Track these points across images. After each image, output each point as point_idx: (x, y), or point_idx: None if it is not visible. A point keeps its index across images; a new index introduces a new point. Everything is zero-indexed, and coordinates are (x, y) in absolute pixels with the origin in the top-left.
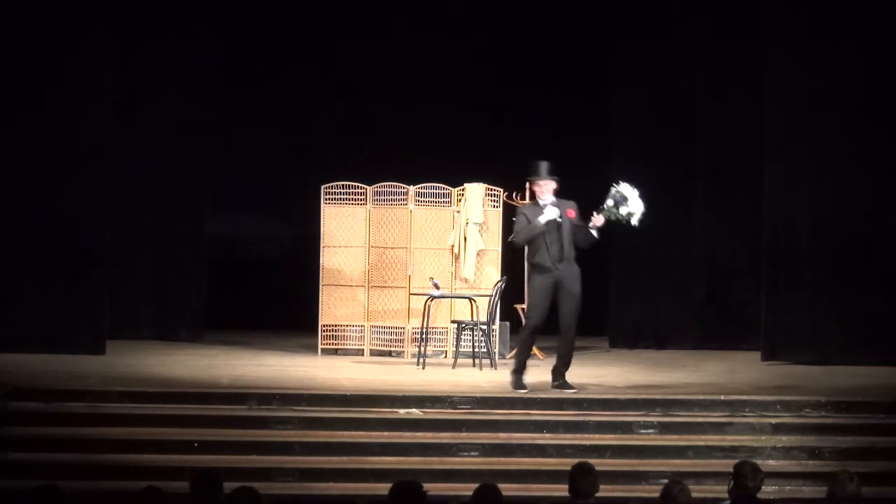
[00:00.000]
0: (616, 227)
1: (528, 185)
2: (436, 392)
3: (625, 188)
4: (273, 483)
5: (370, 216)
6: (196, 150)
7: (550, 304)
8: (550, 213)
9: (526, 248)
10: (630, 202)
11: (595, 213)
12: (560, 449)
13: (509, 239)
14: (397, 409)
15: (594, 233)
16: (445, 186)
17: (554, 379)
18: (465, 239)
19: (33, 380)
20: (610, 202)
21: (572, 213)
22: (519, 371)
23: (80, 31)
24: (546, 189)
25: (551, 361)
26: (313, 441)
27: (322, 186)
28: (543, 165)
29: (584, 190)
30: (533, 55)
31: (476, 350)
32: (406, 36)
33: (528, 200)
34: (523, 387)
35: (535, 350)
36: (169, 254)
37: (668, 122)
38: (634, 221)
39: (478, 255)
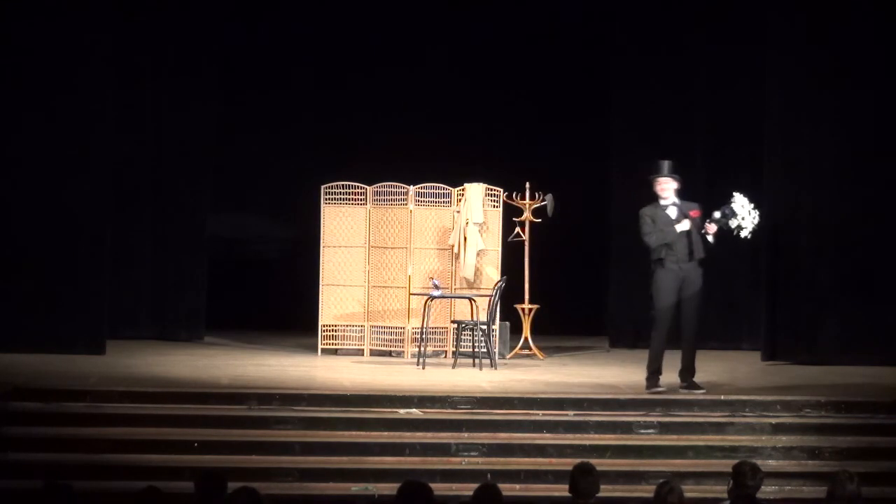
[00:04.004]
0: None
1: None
2: (436, 392)
3: (737, 202)
4: (273, 483)
5: (370, 216)
6: (196, 150)
7: (676, 303)
8: (684, 225)
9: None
10: (739, 216)
11: (708, 221)
12: (560, 449)
13: (646, 241)
14: (397, 409)
15: (710, 238)
16: (445, 186)
17: (682, 380)
18: (465, 239)
19: (33, 380)
20: (717, 214)
21: (696, 213)
22: (656, 372)
23: (81, 34)
24: (667, 188)
25: (552, 362)
26: (313, 441)
27: (322, 186)
28: (665, 164)
29: (584, 186)
30: (533, 54)
31: (476, 350)
32: (407, 37)
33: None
34: (657, 386)
35: (535, 350)
36: (169, 254)
37: (667, 122)
38: (744, 234)
39: (478, 255)
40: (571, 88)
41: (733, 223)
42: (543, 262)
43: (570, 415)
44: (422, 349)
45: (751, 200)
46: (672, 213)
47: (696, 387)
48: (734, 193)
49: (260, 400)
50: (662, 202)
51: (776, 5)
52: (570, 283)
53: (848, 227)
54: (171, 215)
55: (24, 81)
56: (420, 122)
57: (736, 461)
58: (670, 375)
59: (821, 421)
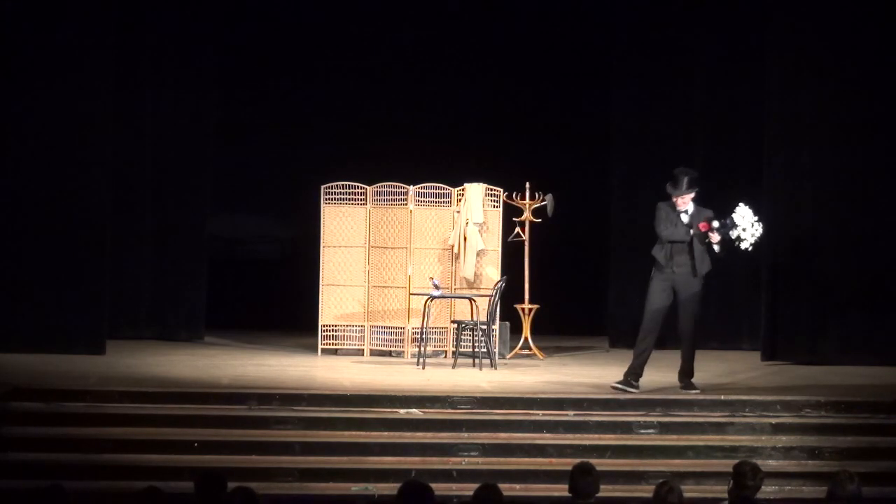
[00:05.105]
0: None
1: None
2: (436, 392)
3: (739, 213)
4: (273, 483)
5: (370, 216)
6: (196, 149)
7: (668, 307)
8: (691, 232)
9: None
10: (740, 227)
11: (710, 230)
12: (560, 449)
13: (657, 230)
14: (397, 409)
15: (715, 248)
16: (445, 186)
17: (679, 381)
18: (465, 239)
19: (33, 380)
20: (716, 223)
21: (705, 226)
22: (629, 373)
23: (80, 32)
24: (685, 202)
25: (552, 362)
26: (313, 441)
27: (322, 186)
28: (683, 181)
29: (584, 186)
30: (533, 54)
31: (476, 350)
32: (407, 38)
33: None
34: (623, 386)
35: (535, 350)
36: (169, 254)
37: (667, 122)
38: (744, 246)
39: (478, 255)
40: (572, 88)
41: (733, 234)
42: (543, 262)
43: (570, 415)
44: (422, 349)
45: (755, 212)
46: (685, 219)
47: (692, 387)
48: (739, 204)
49: (260, 400)
50: (678, 208)
51: (777, 5)
52: (570, 283)
53: (848, 227)
54: (171, 215)
55: (23, 82)
56: (420, 122)
57: (736, 461)
58: (667, 376)
59: (821, 421)
